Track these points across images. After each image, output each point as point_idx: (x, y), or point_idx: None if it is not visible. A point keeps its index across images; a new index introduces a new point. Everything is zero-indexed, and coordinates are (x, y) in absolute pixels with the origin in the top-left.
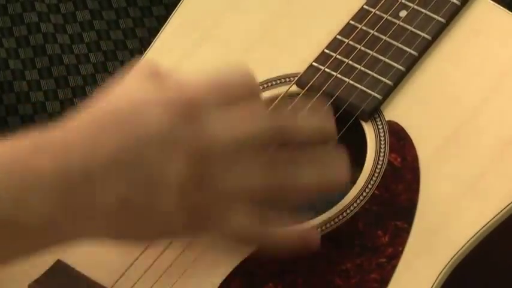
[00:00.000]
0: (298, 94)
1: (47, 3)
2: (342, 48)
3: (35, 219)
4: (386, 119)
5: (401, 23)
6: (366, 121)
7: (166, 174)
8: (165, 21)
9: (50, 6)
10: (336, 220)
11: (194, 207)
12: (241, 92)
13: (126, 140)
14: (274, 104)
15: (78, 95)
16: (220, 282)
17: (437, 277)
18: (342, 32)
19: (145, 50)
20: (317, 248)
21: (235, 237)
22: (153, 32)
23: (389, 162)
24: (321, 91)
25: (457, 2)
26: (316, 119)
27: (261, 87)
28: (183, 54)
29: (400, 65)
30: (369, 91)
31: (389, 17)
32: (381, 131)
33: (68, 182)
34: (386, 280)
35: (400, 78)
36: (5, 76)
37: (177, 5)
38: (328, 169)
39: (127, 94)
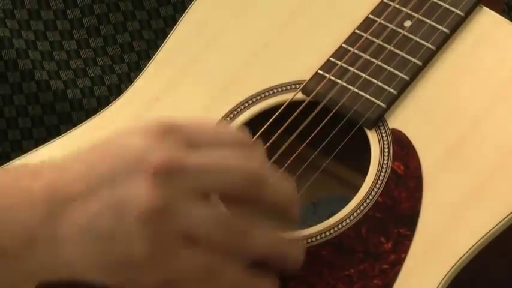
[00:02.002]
0: (303, 101)
1: (53, 9)
2: (347, 56)
3: (15, 239)
4: (390, 128)
5: (406, 33)
6: (370, 129)
7: (133, 193)
8: (173, 23)
9: (56, 13)
10: (340, 226)
11: (155, 235)
12: (227, 138)
13: (102, 158)
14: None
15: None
16: None
17: (440, 284)
18: (347, 41)
19: (152, 52)
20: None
21: (188, 274)
22: (160, 36)
23: (392, 170)
24: (326, 99)
25: (461, 13)
26: (289, 185)
27: (267, 94)
28: (189, 60)
29: (405, 74)
30: (374, 99)
31: (394, 27)
32: (385, 139)
33: (51, 199)
34: (389, 286)
35: (404, 87)
36: (9, 55)
37: (182, 7)
38: (286, 249)
39: (124, 133)
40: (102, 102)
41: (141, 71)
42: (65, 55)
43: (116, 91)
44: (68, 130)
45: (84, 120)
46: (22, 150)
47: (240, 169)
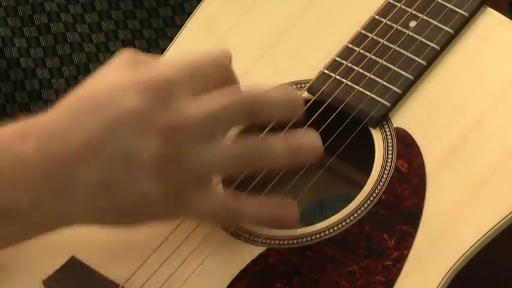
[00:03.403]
0: (309, 100)
1: (56, 2)
2: (352, 56)
3: (22, 202)
4: (394, 126)
5: (410, 33)
6: (374, 128)
7: (141, 153)
8: (172, 22)
9: (59, 6)
10: (344, 223)
11: (170, 184)
12: (213, 72)
13: (101, 122)
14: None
15: None
16: (229, 282)
17: (442, 281)
18: (352, 41)
19: (152, 50)
20: (295, 221)
21: (210, 214)
22: (160, 34)
23: (396, 168)
24: (331, 97)
25: (465, 14)
26: (285, 90)
27: None
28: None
29: (409, 73)
30: (378, 98)
31: (399, 27)
32: (389, 137)
33: (50, 165)
34: (392, 282)
35: (408, 87)
36: (11, 53)
37: (183, 7)
38: (300, 139)
39: (103, 80)
40: None
41: None
42: (68, 48)
43: None
44: None
45: None
46: None
47: (238, 103)
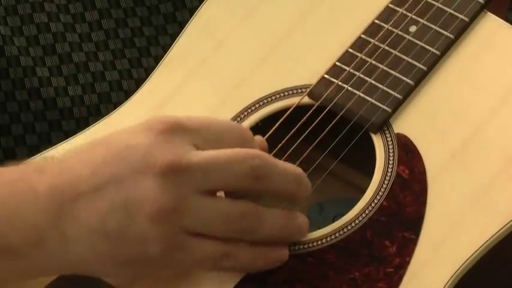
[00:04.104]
0: (309, 105)
1: (56, 3)
2: (353, 61)
3: (25, 238)
4: (395, 132)
5: (411, 38)
6: (375, 133)
7: (141, 198)
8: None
9: (59, 7)
10: (345, 230)
11: (167, 230)
12: (231, 138)
13: (107, 158)
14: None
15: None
16: None
17: (444, 287)
18: (353, 46)
19: (153, 48)
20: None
21: (204, 264)
22: (161, 32)
23: (397, 174)
24: (332, 103)
25: (466, 19)
26: (296, 169)
27: (273, 98)
28: (198, 63)
29: (410, 79)
30: (379, 104)
31: (399, 32)
32: (390, 143)
33: (58, 200)
34: None
35: (409, 92)
36: (16, 73)
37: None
38: (292, 221)
39: (123, 129)
40: (103, 99)
41: (142, 68)
42: (68, 47)
43: (116, 87)
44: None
45: (84, 119)
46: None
47: (244, 161)
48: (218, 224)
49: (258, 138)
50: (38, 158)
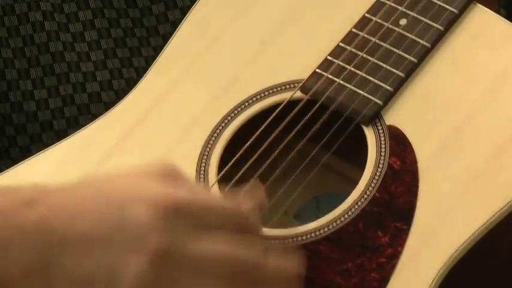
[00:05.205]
0: (302, 100)
1: (51, 2)
2: (344, 55)
3: (10, 272)
4: (387, 124)
5: (401, 31)
6: (367, 126)
7: (125, 271)
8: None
9: (54, 6)
10: (338, 222)
11: None
12: (233, 226)
13: (103, 220)
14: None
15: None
16: None
17: (435, 276)
18: (344, 40)
19: (144, 49)
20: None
21: None
22: (152, 33)
23: (389, 165)
24: (324, 96)
25: (455, 11)
26: (292, 268)
27: (266, 93)
28: (191, 61)
29: (400, 71)
30: (370, 97)
31: (390, 25)
32: (382, 135)
33: (46, 244)
34: (386, 279)
35: (400, 84)
36: (12, 75)
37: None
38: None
39: (127, 179)
40: (94, 99)
41: (133, 68)
42: (61, 46)
43: (107, 86)
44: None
45: (74, 118)
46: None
47: (239, 261)
48: None
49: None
50: (28, 185)
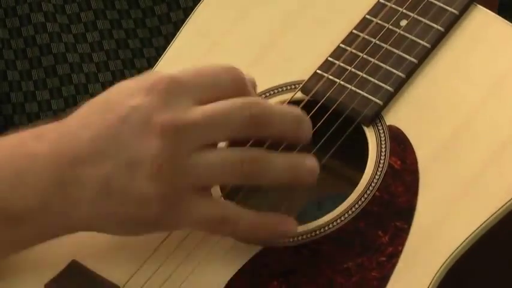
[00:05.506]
0: (303, 100)
1: (53, 3)
2: (345, 56)
3: (32, 203)
4: (387, 124)
5: (401, 32)
6: (367, 126)
7: (142, 156)
8: (168, 21)
9: (56, 7)
10: (339, 221)
11: (168, 187)
12: (224, 81)
13: (107, 120)
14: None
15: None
16: (227, 281)
17: (435, 275)
18: (345, 41)
19: (147, 50)
20: (292, 234)
21: (205, 223)
22: (155, 33)
23: (389, 165)
24: (325, 97)
25: (456, 12)
26: (296, 110)
27: (268, 94)
28: (193, 63)
29: (401, 72)
30: (371, 97)
31: (390, 26)
32: (382, 135)
33: (59, 165)
34: (386, 278)
35: (400, 85)
36: (13, 76)
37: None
38: (301, 160)
39: (118, 86)
40: None
41: (135, 69)
42: (63, 47)
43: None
44: None
45: None
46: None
47: (242, 111)
48: (221, 173)
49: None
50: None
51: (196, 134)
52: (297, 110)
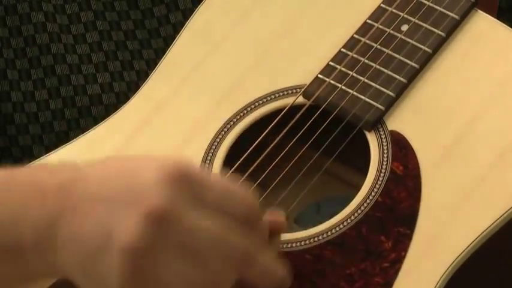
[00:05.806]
0: (304, 105)
1: (53, 3)
2: (346, 60)
3: (26, 237)
4: (389, 129)
5: (403, 37)
6: (369, 131)
7: (120, 224)
8: (167, 22)
9: (56, 7)
10: (341, 226)
11: (129, 277)
12: (237, 209)
13: (115, 185)
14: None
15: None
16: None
17: (438, 281)
18: (346, 46)
19: (145, 52)
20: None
21: None
22: (153, 35)
23: (391, 170)
24: (326, 102)
25: (457, 17)
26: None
27: (269, 99)
28: (193, 67)
29: (402, 77)
30: (372, 102)
31: (391, 31)
32: (384, 140)
33: (63, 206)
34: (390, 284)
35: (402, 90)
36: (13, 75)
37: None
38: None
39: (143, 165)
40: (95, 101)
41: (134, 70)
42: (62, 48)
43: (108, 89)
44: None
45: (75, 120)
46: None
47: (232, 245)
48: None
49: (276, 216)
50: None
51: (178, 235)
52: (282, 272)
